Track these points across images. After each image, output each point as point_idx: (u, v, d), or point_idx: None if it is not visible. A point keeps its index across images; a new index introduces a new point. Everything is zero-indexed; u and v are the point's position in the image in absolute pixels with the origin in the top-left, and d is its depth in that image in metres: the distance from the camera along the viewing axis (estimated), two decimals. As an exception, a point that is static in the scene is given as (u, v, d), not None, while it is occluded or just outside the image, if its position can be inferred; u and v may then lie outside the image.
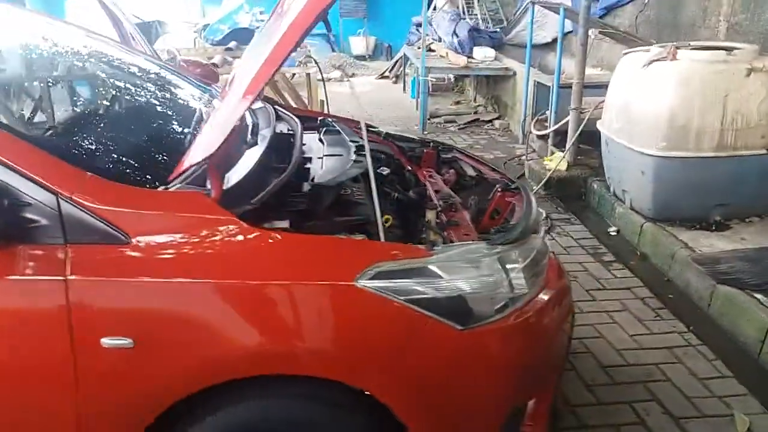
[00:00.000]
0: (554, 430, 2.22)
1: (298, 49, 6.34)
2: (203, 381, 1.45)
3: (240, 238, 1.48)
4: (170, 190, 1.52)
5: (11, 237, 1.37)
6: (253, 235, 1.49)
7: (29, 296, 1.39)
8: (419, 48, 8.15)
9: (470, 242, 1.76)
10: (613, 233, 4.12)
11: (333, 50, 12.66)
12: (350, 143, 2.38)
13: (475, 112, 7.38)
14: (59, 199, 1.38)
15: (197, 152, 1.42)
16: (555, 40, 5.91)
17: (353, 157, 2.22)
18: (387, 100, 8.68)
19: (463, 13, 9.84)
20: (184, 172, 1.47)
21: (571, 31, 6.69)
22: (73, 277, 1.38)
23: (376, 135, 2.78)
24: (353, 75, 11.00)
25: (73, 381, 1.40)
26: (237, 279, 1.44)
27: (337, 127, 2.55)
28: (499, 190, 2.34)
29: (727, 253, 3.37)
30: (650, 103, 3.63)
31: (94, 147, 1.75)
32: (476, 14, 9.73)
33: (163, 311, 1.43)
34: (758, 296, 2.92)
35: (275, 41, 1.43)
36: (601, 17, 6.45)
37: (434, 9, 10.60)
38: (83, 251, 1.40)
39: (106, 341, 1.39)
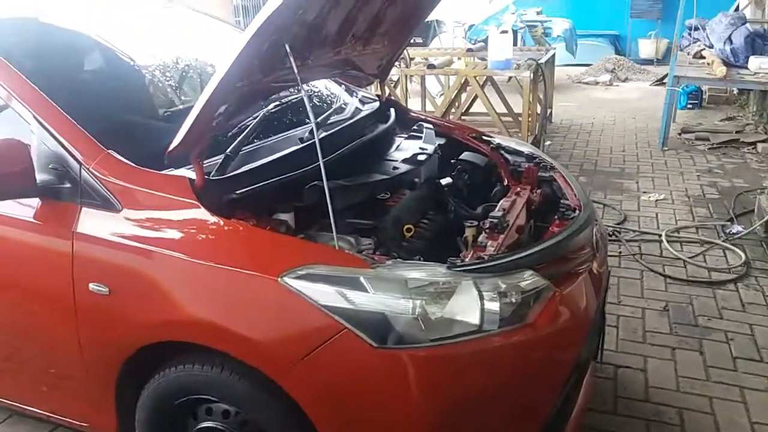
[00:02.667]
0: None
1: (515, 52, 6.24)
2: (157, 336, 1.72)
3: (201, 222, 1.69)
4: (166, 172, 1.80)
5: (52, 194, 1.81)
6: (213, 221, 1.69)
7: (54, 240, 1.81)
8: (689, 54, 7.27)
9: (429, 263, 1.70)
10: (832, 297, 3.25)
11: (617, 52, 11.90)
12: (418, 150, 2.40)
13: (738, 131, 6.29)
14: (81, 168, 1.77)
15: (171, 143, 1.67)
16: None
17: (396, 164, 2.25)
18: (648, 108, 7.90)
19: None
20: (167, 157, 1.73)
21: None
22: (78, 230, 1.76)
23: (486, 145, 2.71)
24: (626, 79, 10.21)
25: (73, 311, 1.79)
26: (187, 255, 1.65)
27: (422, 134, 2.57)
28: (557, 218, 2.13)
29: None
30: None
31: (158, 132, 2.11)
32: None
33: (132, 270, 1.72)
34: None
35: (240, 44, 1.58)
36: None
37: (736, 10, 9.23)
38: (89, 212, 1.77)
39: (92, 286, 1.74)
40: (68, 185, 1.79)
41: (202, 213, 1.70)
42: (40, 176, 1.79)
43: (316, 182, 1.95)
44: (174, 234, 1.71)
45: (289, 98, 2.45)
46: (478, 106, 6.42)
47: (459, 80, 5.68)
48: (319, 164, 1.79)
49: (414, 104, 6.42)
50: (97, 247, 1.75)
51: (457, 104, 6.43)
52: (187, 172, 1.80)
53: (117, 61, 2.51)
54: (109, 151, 1.80)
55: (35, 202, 1.84)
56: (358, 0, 2.08)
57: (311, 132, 2.22)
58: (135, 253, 1.71)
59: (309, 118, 1.79)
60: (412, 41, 5.75)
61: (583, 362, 1.91)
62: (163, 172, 1.80)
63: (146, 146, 1.90)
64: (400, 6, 2.38)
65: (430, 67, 5.62)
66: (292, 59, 1.69)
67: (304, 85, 2.63)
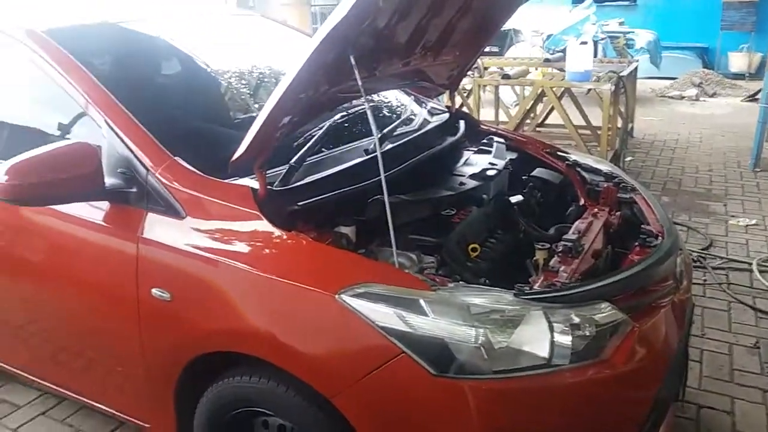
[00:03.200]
0: None
1: (595, 63, 5.97)
2: (216, 345, 1.70)
3: (262, 233, 1.66)
4: (229, 181, 1.77)
5: (120, 198, 1.82)
6: (273, 233, 1.65)
7: (120, 243, 1.82)
8: (786, 69, 6.78)
9: (494, 289, 1.59)
10: None
11: (705, 65, 11.31)
12: (487, 165, 2.29)
13: (843, 154, 5.80)
14: (148, 174, 1.78)
15: (235, 153, 1.64)
16: None
17: (464, 180, 2.16)
18: (739, 126, 7.41)
19: None
20: (231, 166, 1.70)
21: None
22: (144, 235, 1.76)
23: (561, 161, 2.57)
24: (714, 94, 9.66)
25: (136, 314, 1.78)
26: (247, 266, 1.62)
27: (493, 148, 2.46)
28: (637, 245, 1.98)
29: None
30: None
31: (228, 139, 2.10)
32: None
33: (193, 278, 1.70)
34: None
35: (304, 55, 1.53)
36: None
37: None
38: (154, 217, 1.77)
39: (155, 291, 1.74)
40: (135, 190, 1.80)
41: (263, 224, 1.67)
42: (108, 180, 1.80)
43: (378, 196, 1.89)
44: (235, 244, 1.69)
45: (356, 108, 2.40)
46: (555, 118, 6.22)
47: (535, 91, 5.50)
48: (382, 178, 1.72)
49: (487, 114, 6.29)
50: (161, 253, 1.74)
51: (532, 115, 6.24)
52: (251, 182, 1.78)
53: (192, 67, 2.53)
54: (176, 157, 1.80)
55: (104, 205, 1.86)
56: (429, 11, 2.00)
57: None
58: (196, 260, 1.69)
59: (373, 130, 1.73)
60: (487, 50, 5.65)
61: (663, 402, 1.75)
62: (227, 180, 1.79)
63: (216, 153, 1.88)
64: (472, 16, 2.28)
65: (505, 77, 5.47)
66: (356, 71, 1.63)
67: (370, 96, 2.59)
